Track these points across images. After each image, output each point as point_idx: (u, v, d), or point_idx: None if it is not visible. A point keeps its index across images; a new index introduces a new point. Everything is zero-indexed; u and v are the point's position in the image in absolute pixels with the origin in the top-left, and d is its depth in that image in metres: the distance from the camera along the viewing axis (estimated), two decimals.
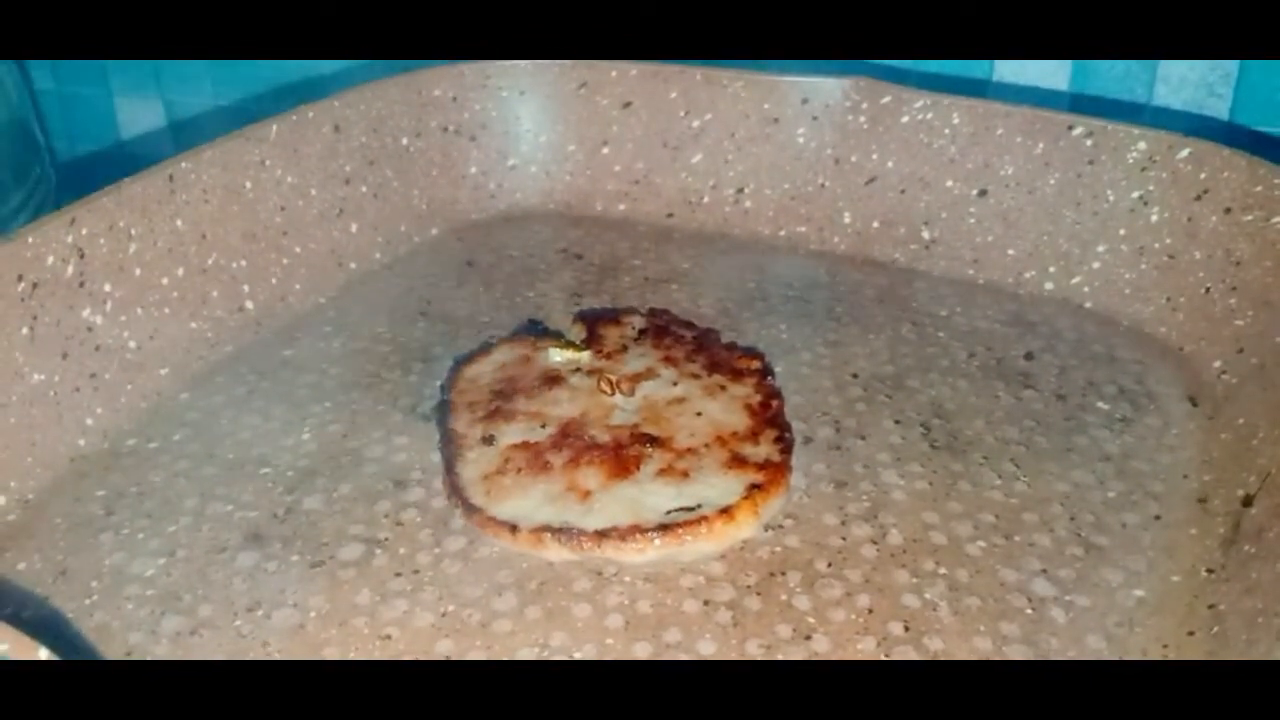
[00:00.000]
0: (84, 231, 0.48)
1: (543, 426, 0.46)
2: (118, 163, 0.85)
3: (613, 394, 0.48)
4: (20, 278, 0.45)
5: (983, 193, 0.60)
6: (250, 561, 0.42)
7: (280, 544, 0.43)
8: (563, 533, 0.41)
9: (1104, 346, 0.54)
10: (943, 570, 0.41)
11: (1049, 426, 0.49)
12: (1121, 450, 0.47)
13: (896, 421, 0.49)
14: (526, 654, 0.38)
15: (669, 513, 0.42)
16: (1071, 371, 0.52)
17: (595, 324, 0.53)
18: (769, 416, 0.47)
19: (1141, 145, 0.56)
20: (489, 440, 0.46)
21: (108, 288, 0.49)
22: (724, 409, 0.47)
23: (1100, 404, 0.50)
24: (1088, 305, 0.57)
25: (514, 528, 0.42)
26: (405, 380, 0.52)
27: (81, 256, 0.48)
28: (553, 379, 0.49)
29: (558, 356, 0.50)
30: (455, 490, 0.44)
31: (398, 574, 0.41)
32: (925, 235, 0.61)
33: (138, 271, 0.50)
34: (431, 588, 0.41)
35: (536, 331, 0.54)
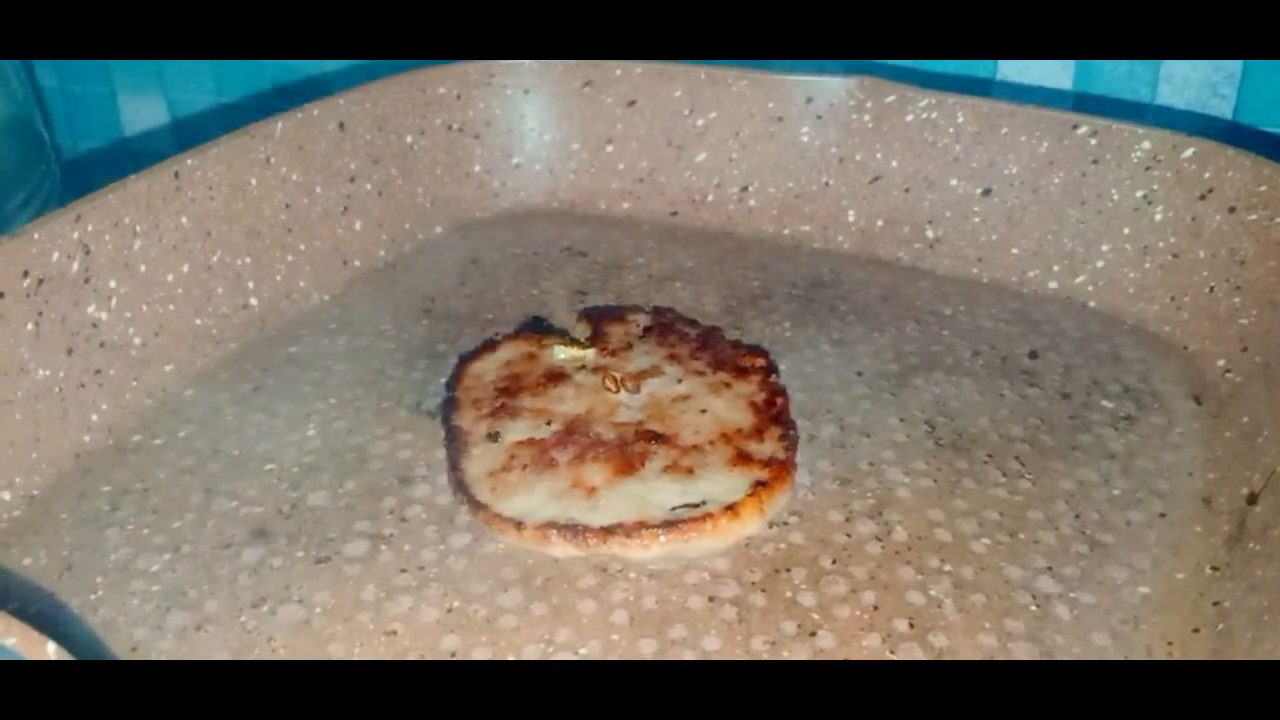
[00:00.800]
0: (89, 228, 0.48)
1: (548, 423, 0.46)
2: (121, 160, 0.85)
3: (617, 391, 0.48)
4: (26, 274, 0.45)
5: (987, 192, 0.60)
6: (255, 557, 0.42)
7: (285, 540, 0.43)
8: (568, 529, 0.41)
9: (1108, 345, 0.54)
10: (948, 567, 0.41)
11: (1053, 425, 0.49)
12: (1126, 448, 0.47)
13: (901, 419, 0.49)
14: (531, 650, 0.38)
15: (674, 509, 0.42)
16: (1076, 370, 0.52)
17: (600, 321, 0.53)
18: (773, 414, 0.47)
19: (1146, 145, 0.56)
20: (494, 437, 0.46)
21: (113, 284, 0.49)
22: (729, 406, 0.47)
23: (1105, 402, 0.50)
24: (1092, 304, 0.57)
25: (519, 524, 0.42)
26: (410, 377, 0.52)
27: (87, 253, 0.48)
28: (557, 376, 0.49)
29: (562, 354, 0.50)
30: (460, 487, 0.44)
31: (403, 570, 0.41)
32: (929, 234, 0.61)
33: (143, 268, 0.50)
34: (436, 584, 0.41)
35: (541, 329, 0.54)
